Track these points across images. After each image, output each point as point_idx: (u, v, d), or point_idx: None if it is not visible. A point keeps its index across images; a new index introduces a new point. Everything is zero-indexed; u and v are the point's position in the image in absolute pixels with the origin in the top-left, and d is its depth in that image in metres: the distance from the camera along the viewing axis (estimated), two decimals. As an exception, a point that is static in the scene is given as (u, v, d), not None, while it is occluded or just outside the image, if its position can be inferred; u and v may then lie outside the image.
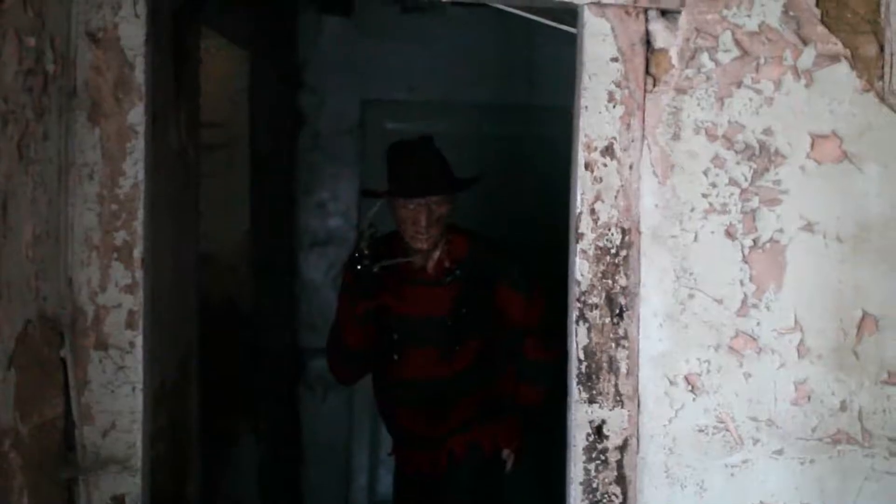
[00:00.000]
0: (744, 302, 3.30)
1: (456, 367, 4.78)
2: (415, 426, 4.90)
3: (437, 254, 4.72)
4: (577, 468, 3.30)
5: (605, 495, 3.29)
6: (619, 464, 3.29)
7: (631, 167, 3.26)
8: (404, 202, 4.55)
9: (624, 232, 3.27)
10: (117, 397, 3.25)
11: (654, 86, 3.28)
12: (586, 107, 3.26)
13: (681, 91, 3.28)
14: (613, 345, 3.27)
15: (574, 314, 3.28)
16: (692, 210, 3.28)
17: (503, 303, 4.77)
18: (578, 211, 3.27)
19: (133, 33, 3.21)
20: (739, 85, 3.28)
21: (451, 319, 4.74)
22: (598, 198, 3.26)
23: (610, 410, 3.28)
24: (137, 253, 3.23)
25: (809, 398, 3.32)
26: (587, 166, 3.26)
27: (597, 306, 3.27)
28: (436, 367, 4.77)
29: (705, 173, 3.28)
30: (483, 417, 4.87)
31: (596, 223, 3.26)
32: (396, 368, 4.82)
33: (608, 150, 3.25)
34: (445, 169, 4.68)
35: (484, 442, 4.86)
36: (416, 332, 4.76)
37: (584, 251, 3.27)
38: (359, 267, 4.43)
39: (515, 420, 4.94)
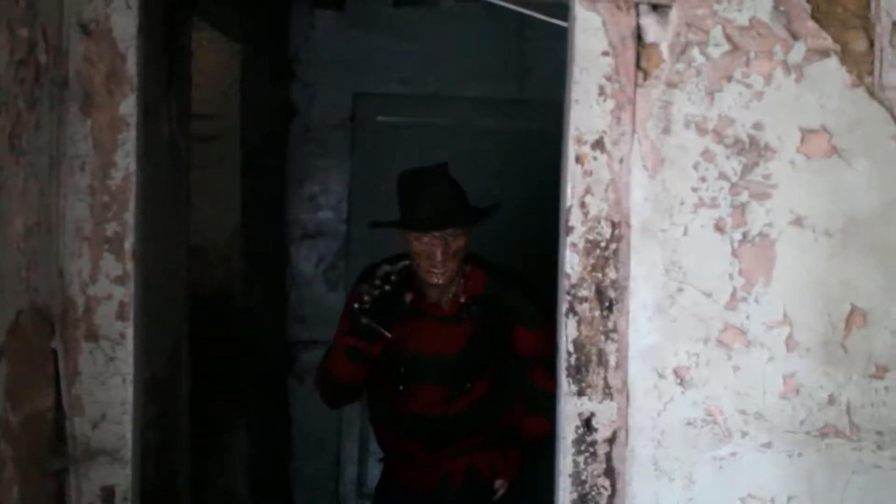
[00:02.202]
0: (733, 295, 3.31)
1: (463, 405, 4.56)
2: (415, 454, 4.68)
3: (453, 289, 4.47)
4: (565, 460, 3.31)
5: (594, 487, 3.29)
6: (608, 456, 3.30)
7: (621, 161, 3.27)
8: (418, 235, 4.27)
9: (614, 225, 3.27)
10: (108, 388, 3.25)
11: (645, 80, 3.29)
12: (577, 100, 3.27)
13: (671, 85, 3.29)
14: (603, 338, 3.28)
15: (564, 307, 3.29)
16: (682, 204, 3.29)
17: (517, 341, 4.53)
18: (569, 204, 3.27)
19: (125, 25, 3.21)
20: (730, 79, 3.29)
21: (463, 358, 4.52)
22: (588, 191, 3.27)
23: (599, 403, 3.29)
24: (128, 244, 3.24)
25: (798, 391, 3.33)
26: (577, 160, 3.27)
27: (586, 299, 3.28)
28: (441, 404, 4.55)
29: (695, 167, 3.29)
30: (485, 445, 4.69)
31: (586, 216, 3.27)
32: (400, 401, 4.58)
33: (598, 144, 3.26)
34: (461, 198, 4.41)
35: (482, 466, 4.68)
36: (424, 368, 4.52)
37: (573, 244, 3.27)
38: (356, 305, 4.21)
39: (517, 451, 4.73)
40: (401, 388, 4.54)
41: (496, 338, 4.52)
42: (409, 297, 4.24)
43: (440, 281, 4.33)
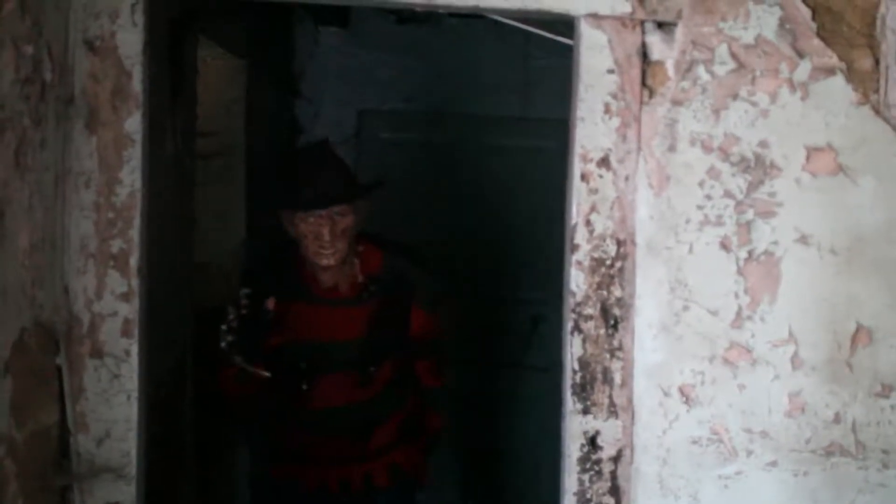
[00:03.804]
0: (738, 314, 3.30)
1: (374, 389, 4.37)
2: (330, 454, 4.44)
3: (347, 270, 4.26)
4: (570, 479, 3.30)
5: (599, 506, 3.30)
6: (613, 475, 3.29)
7: (626, 178, 3.27)
8: (303, 215, 4.09)
9: (619, 243, 3.27)
10: (112, 406, 3.24)
11: (651, 97, 3.29)
12: (582, 118, 3.27)
13: (677, 103, 3.29)
14: (608, 356, 3.28)
15: (569, 325, 3.29)
16: (687, 222, 3.29)
17: (412, 321, 4.42)
18: (574, 222, 3.27)
19: (131, 42, 3.20)
20: (735, 97, 3.29)
21: (366, 341, 4.31)
22: (593, 209, 3.26)
23: (604, 421, 3.29)
24: (134, 261, 3.23)
25: (803, 410, 3.33)
26: (583, 177, 3.26)
27: (591, 317, 3.27)
28: (351, 392, 4.34)
29: (700, 185, 3.29)
30: (404, 438, 4.57)
31: (591, 234, 3.27)
32: (306, 399, 4.33)
33: (604, 162, 3.26)
34: (346, 176, 4.22)
35: (404, 464, 4.57)
36: (327, 357, 4.29)
37: (579, 262, 3.27)
38: (222, 345, 3.91)
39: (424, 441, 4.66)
40: (304, 386, 4.32)
41: (398, 317, 4.39)
42: (271, 304, 4.02)
43: (330, 262, 4.14)
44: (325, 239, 4.08)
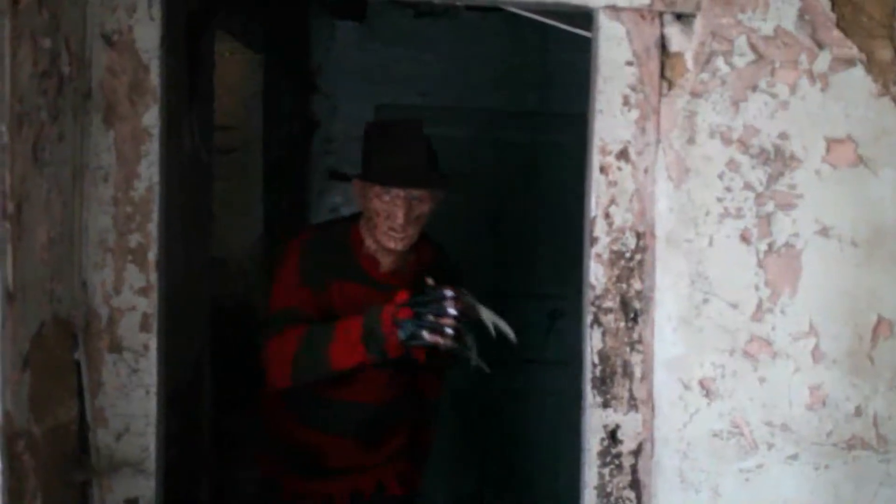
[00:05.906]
0: (759, 306, 3.29)
1: (401, 390, 4.11)
2: (341, 462, 4.12)
3: (407, 257, 3.96)
4: (591, 472, 3.29)
5: (620, 499, 3.28)
6: (634, 468, 3.28)
7: (646, 171, 3.26)
8: (380, 191, 3.79)
9: (638, 236, 3.26)
10: (131, 400, 3.25)
11: (669, 89, 3.28)
12: (601, 110, 3.26)
13: (696, 95, 3.28)
14: (628, 349, 3.26)
15: (588, 318, 3.28)
16: (707, 214, 3.28)
17: None
18: (593, 215, 3.26)
19: (148, 36, 3.21)
20: (755, 89, 3.28)
21: None
22: (612, 201, 3.25)
23: (624, 415, 3.28)
24: (152, 255, 3.23)
25: (824, 403, 3.31)
26: (602, 170, 3.25)
27: (611, 310, 3.26)
28: (385, 389, 4.04)
29: (720, 177, 3.28)
30: (411, 447, 4.32)
31: (610, 227, 3.26)
32: (339, 388, 3.93)
33: (623, 154, 3.25)
34: (433, 161, 3.93)
35: (411, 473, 4.33)
36: None
37: (598, 255, 3.26)
38: (450, 304, 3.53)
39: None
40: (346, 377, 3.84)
41: None
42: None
43: (398, 246, 3.84)
44: (398, 221, 3.79)
